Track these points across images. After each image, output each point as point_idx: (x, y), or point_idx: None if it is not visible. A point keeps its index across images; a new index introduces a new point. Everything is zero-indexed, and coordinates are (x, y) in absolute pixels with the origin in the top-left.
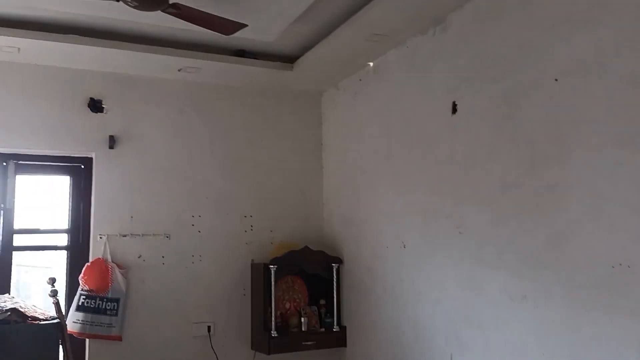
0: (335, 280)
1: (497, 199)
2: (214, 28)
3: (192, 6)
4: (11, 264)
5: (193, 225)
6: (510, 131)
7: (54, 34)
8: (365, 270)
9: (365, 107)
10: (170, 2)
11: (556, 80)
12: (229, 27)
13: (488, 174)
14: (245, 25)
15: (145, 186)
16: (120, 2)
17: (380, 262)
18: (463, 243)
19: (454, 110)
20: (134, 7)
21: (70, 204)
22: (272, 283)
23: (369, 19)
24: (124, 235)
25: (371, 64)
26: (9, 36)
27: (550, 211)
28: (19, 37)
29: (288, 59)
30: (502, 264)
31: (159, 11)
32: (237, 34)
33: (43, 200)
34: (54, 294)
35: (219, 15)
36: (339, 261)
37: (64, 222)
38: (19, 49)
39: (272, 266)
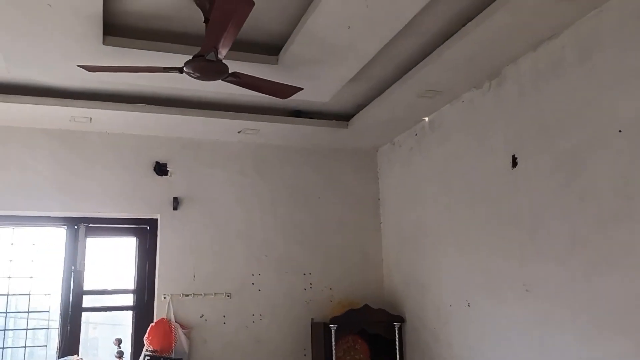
0: (397, 340)
1: (565, 257)
2: (271, 93)
3: (250, 74)
4: (80, 325)
5: (253, 284)
6: (576, 187)
7: (124, 104)
8: (428, 330)
9: (423, 162)
10: (230, 71)
11: (620, 131)
12: (286, 91)
13: (555, 231)
14: (301, 89)
15: (207, 246)
16: (184, 74)
17: (444, 321)
18: (531, 303)
19: (514, 163)
20: (197, 78)
21: (136, 264)
22: (333, 343)
23: (422, 76)
24: (187, 295)
25: (426, 118)
26: (82, 107)
27: (625, 271)
28: (92, 108)
29: (343, 118)
30: (574, 328)
31: (222, 81)
32: (293, 97)
33: (111, 262)
34: (120, 355)
35: (275, 80)
36: (401, 320)
37: (130, 282)
38: (90, 118)
39: (332, 325)
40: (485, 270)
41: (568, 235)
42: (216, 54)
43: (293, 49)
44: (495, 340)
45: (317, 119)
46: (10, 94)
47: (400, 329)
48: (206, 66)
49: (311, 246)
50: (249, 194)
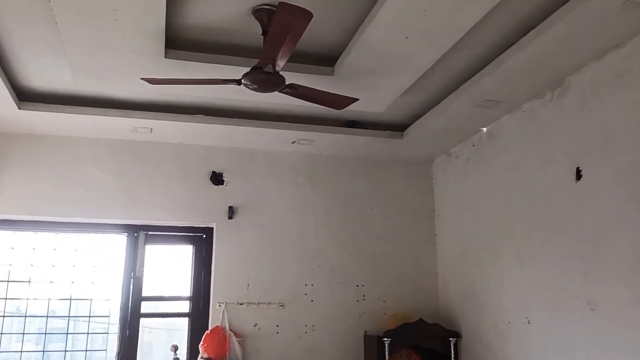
0: (452, 355)
1: (632, 275)
2: (327, 104)
3: (306, 85)
4: (138, 330)
5: (306, 294)
6: None
7: (183, 115)
8: (485, 346)
9: (480, 174)
10: (287, 82)
11: None
12: (341, 101)
13: (620, 247)
14: (356, 100)
15: (261, 255)
16: (242, 86)
17: (502, 338)
18: (596, 322)
19: (578, 176)
20: (254, 89)
21: (193, 272)
22: (387, 356)
23: (480, 86)
24: (241, 304)
25: (484, 129)
26: (144, 119)
27: None
28: (153, 119)
29: (398, 128)
30: None
31: (278, 93)
32: (348, 107)
33: (168, 269)
34: None
35: (331, 91)
36: (457, 335)
37: (186, 289)
38: (151, 129)
39: (385, 339)
40: (547, 286)
41: (634, 252)
42: (274, 66)
43: (349, 59)
44: (557, 356)
45: (372, 129)
46: (76, 105)
47: (456, 344)
48: (264, 78)
49: (364, 257)
50: (302, 204)
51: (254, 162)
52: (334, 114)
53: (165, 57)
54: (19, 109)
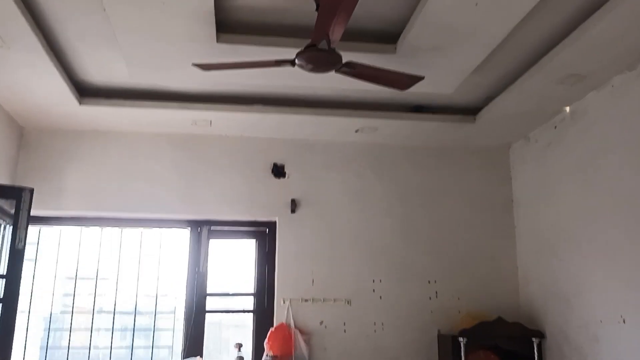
0: (536, 357)
1: None
2: (389, 84)
3: (366, 63)
4: (204, 327)
5: (374, 290)
6: None
7: (241, 106)
8: (574, 348)
9: (563, 159)
10: (344, 61)
11: None
12: (405, 81)
13: None
14: (422, 78)
15: (325, 250)
16: (296, 67)
17: (593, 338)
18: None
19: None
20: (310, 70)
21: (256, 267)
22: (462, 357)
23: (561, 60)
24: (306, 300)
25: (567, 108)
26: (202, 110)
27: None
28: (211, 110)
29: (469, 112)
30: None
31: (334, 72)
32: (413, 89)
33: (232, 264)
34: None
35: (393, 70)
36: (541, 335)
37: (250, 285)
38: (210, 121)
39: (461, 339)
40: None
41: None
42: (328, 42)
43: (412, 35)
44: None
45: (441, 114)
46: (135, 99)
47: (539, 345)
48: (318, 56)
49: (435, 252)
50: (367, 196)
51: (316, 154)
52: (399, 98)
53: (217, 41)
54: (80, 104)
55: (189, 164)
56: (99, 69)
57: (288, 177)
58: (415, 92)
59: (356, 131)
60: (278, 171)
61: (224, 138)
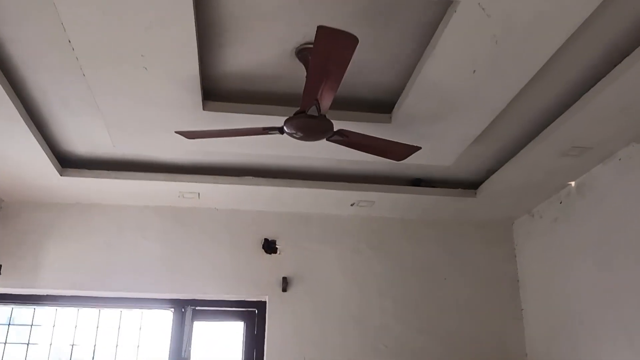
0: None
1: None
2: (384, 154)
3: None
4: None
5: None
6: None
7: (231, 177)
8: None
9: (572, 236)
10: (336, 129)
11: None
12: (400, 151)
13: None
14: (418, 148)
15: (319, 333)
16: (286, 135)
17: None
18: None
19: None
20: (300, 138)
21: (244, 352)
22: None
23: (565, 130)
24: None
25: (573, 183)
26: (190, 182)
27: None
28: (199, 182)
29: (470, 185)
30: None
31: (327, 141)
32: (411, 161)
33: (217, 349)
34: None
35: (388, 139)
36: None
37: None
38: (199, 194)
39: None
40: None
41: None
42: (318, 109)
43: (408, 103)
44: None
45: (440, 187)
46: (120, 170)
47: None
48: (308, 123)
49: (437, 335)
50: (365, 274)
51: (310, 228)
52: (397, 171)
53: (204, 109)
54: (62, 175)
55: (175, 239)
56: (82, 139)
57: (280, 253)
58: (414, 164)
59: (352, 205)
60: (269, 246)
61: (212, 211)
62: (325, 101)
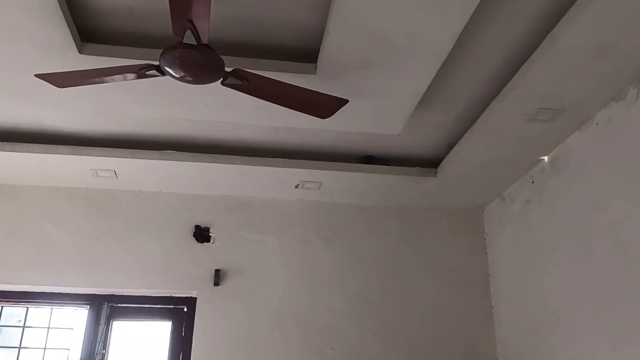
0: None
1: None
2: (306, 108)
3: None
4: None
5: None
6: None
7: (150, 151)
8: None
9: (547, 220)
10: (228, 69)
11: None
12: (325, 102)
13: None
14: (346, 101)
15: (256, 334)
16: (169, 77)
17: None
18: None
19: None
20: (186, 80)
21: (169, 355)
22: None
23: (528, 83)
24: None
25: (545, 157)
26: (102, 157)
27: None
28: (113, 157)
29: (430, 164)
30: None
31: (222, 87)
32: (355, 129)
33: (139, 353)
34: None
35: (304, 87)
36: None
37: None
38: (115, 171)
39: None
40: None
41: None
42: (195, 33)
43: (330, 44)
44: None
45: (396, 165)
46: (19, 142)
47: None
48: (187, 54)
49: (395, 338)
50: (311, 267)
51: (249, 214)
52: (344, 147)
53: (81, 52)
54: None
55: (91, 225)
56: None
57: (213, 242)
58: (360, 138)
59: (296, 186)
60: (201, 235)
61: (136, 194)
62: (201, 21)
